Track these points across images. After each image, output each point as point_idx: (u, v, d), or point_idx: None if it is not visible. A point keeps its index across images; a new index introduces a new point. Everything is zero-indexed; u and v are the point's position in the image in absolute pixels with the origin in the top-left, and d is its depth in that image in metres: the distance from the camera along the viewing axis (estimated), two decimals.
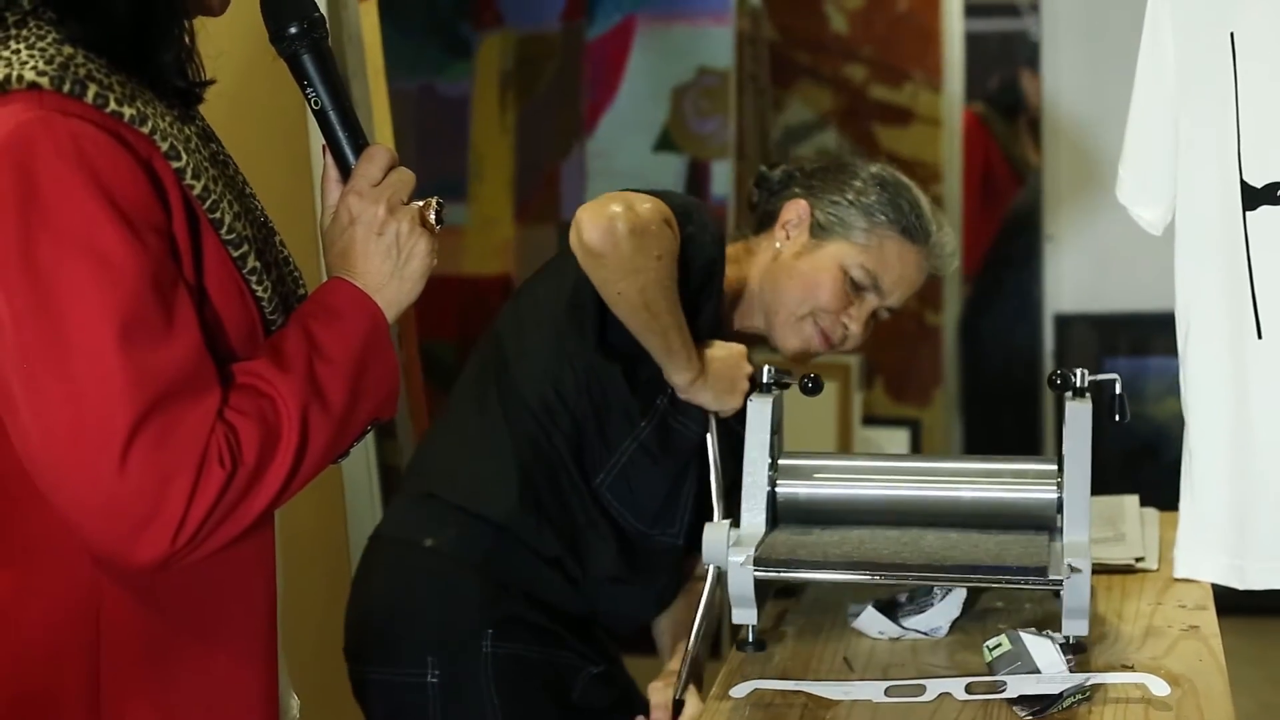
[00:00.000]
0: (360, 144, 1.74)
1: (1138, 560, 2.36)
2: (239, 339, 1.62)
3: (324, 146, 1.75)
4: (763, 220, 2.54)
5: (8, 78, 1.51)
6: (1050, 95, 4.44)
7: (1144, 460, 4.16)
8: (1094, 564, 2.21)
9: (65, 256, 1.48)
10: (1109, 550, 2.37)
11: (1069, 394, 2.10)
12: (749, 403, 2.20)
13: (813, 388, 2.25)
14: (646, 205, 2.22)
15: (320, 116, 1.73)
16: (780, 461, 2.20)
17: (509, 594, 2.32)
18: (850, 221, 2.45)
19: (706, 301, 2.34)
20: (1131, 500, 2.59)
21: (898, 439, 5.11)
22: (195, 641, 1.65)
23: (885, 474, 2.21)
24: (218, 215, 1.60)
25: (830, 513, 2.18)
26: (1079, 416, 2.07)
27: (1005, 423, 5.72)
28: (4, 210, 1.48)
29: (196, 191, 1.59)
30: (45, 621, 1.60)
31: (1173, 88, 2.25)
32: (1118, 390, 2.15)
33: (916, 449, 5.23)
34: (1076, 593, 1.96)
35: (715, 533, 2.13)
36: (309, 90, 1.72)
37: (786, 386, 2.29)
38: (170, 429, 1.50)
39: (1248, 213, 2.21)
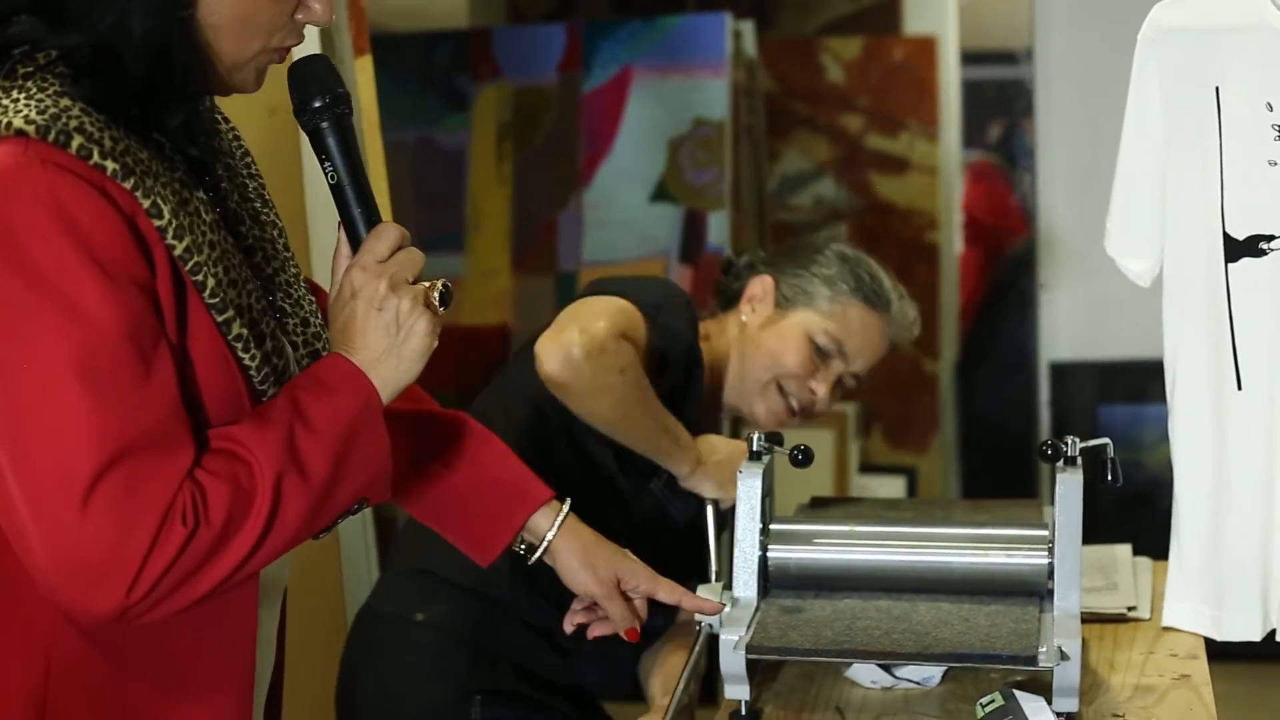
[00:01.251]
0: (373, 220, 1.73)
1: (1130, 610, 2.36)
2: (222, 404, 1.60)
3: (339, 223, 1.74)
4: (729, 299, 2.61)
5: None
6: (1044, 143, 4.45)
7: (1139, 507, 4.17)
8: (1086, 613, 2.22)
9: (35, 301, 1.48)
10: (1101, 599, 2.38)
11: (1059, 464, 2.11)
12: (740, 472, 2.20)
13: (802, 459, 2.24)
14: (600, 324, 2.27)
15: (336, 191, 1.72)
16: (772, 527, 2.20)
17: (498, 666, 2.33)
18: (813, 291, 2.53)
19: (692, 387, 2.38)
20: (1124, 549, 2.60)
21: (894, 487, 5.13)
22: (154, 703, 1.63)
23: (877, 539, 2.21)
24: (200, 278, 1.59)
25: (822, 579, 2.18)
26: (1070, 487, 2.07)
27: (1002, 470, 5.73)
28: None
29: (178, 252, 1.57)
30: None
31: (1159, 141, 2.27)
32: (1110, 455, 2.16)
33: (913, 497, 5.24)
34: (1066, 676, 1.97)
35: (709, 594, 2.15)
36: (326, 164, 1.72)
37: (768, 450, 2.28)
38: (136, 481, 1.49)
39: (1229, 264, 2.23)
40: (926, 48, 6.14)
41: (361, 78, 2.94)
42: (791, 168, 6.07)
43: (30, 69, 1.57)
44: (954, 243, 6.13)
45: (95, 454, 1.48)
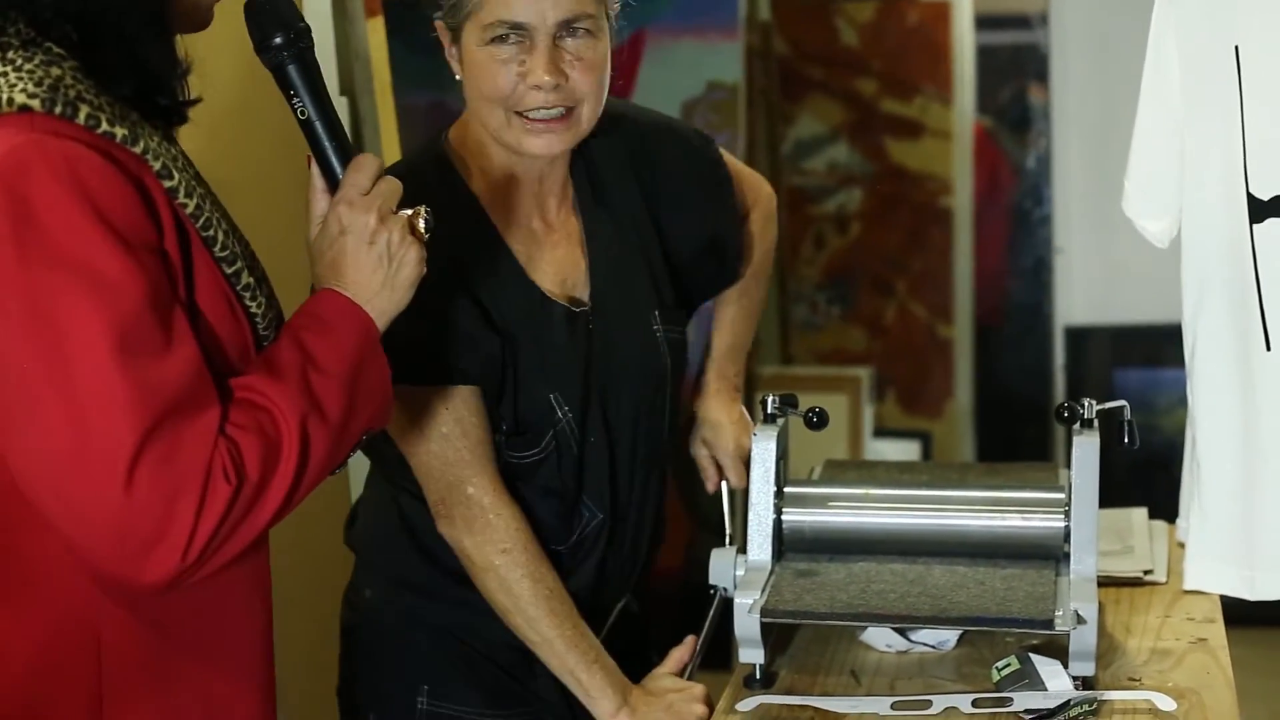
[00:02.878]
0: (347, 153, 1.74)
1: (1146, 573, 2.35)
2: (234, 355, 1.62)
3: (309, 157, 1.75)
4: None
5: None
6: (1059, 107, 4.43)
7: (1155, 471, 4.14)
8: (1102, 577, 2.21)
9: (62, 279, 1.48)
10: (1117, 563, 2.37)
11: (1076, 426, 2.10)
12: (754, 434, 2.18)
13: (817, 422, 2.22)
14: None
15: (306, 127, 1.73)
16: (786, 490, 2.19)
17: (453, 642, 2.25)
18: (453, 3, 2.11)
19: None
20: (1140, 513, 2.58)
21: (909, 451, 5.11)
22: (196, 663, 1.65)
23: (892, 503, 2.20)
24: (210, 233, 1.60)
25: (836, 543, 2.17)
26: (1087, 449, 2.06)
27: (1017, 435, 5.71)
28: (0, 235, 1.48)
29: (189, 210, 1.59)
30: (44, 650, 1.60)
31: (1177, 101, 2.25)
32: (1127, 417, 2.14)
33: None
34: (1083, 639, 1.96)
35: (723, 558, 2.14)
36: (295, 100, 1.73)
37: (781, 413, 2.24)
38: (174, 446, 1.50)
39: (1254, 225, 2.21)
40: (941, 11, 6.09)
41: (373, 39, 2.92)
42: (805, 132, 6.03)
43: (7, 42, 1.56)
44: (969, 208, 6.10)
45: (134, 427, 1.49)
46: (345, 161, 1.73)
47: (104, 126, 1.53)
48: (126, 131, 1.54)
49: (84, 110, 1.52)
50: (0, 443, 1.54)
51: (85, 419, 1.49)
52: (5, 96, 1.51)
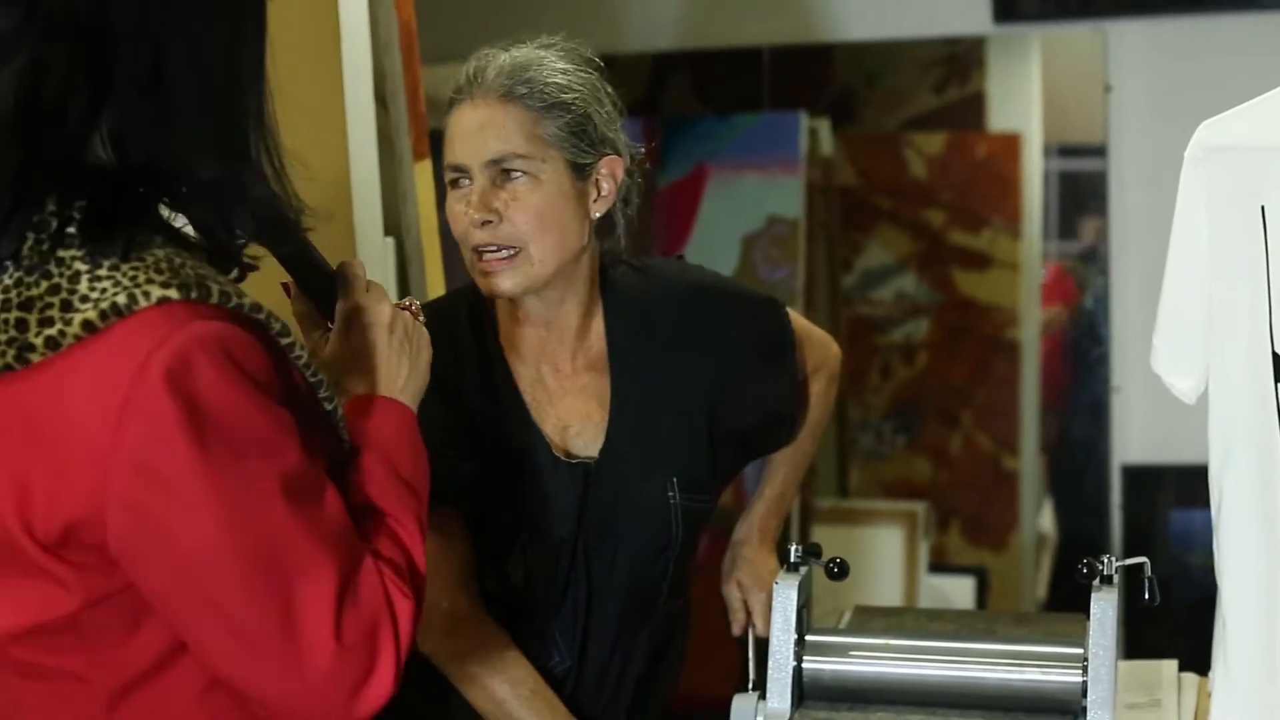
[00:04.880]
0: (324, 263, 1.78)
1: None
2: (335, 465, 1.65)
3: (284, 285, 1.80)
4: None
5: (133, 296, 1.48)
6: (1118, 242, 4.42)
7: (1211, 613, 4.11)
8: None
9: (238, 461, 1.49)
10: (1143, 716, 2.36)
11: (1096, 582, 2.11)
12: (776, 582, 2.20)
13: (838, 572, 2.26)
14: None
15: (288, 260, 1.76)
16: (808, 638, 2.21)
17: None
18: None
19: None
20: (1170, 665, 2.57)
21: (964, 588, 5.09)
22: None
23: (911, 653, 2.21)
24: (303, 357, 1.62)
25: (856, 692, 2.18)
26: (1104, 606, 2.07)
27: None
28: (176, 436, 1.46)
29: (303, 361, 1.61)
30: None
31: (1205, 259, 2.27)
32: (1148, 574, 2.15)
33: (982, 599, 5.19)
34: None
35: (744, 703, 2.16)
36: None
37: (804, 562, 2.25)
38: (357, 582, 1.54)
39: (1278, 384, 2.22)
40: (1011, 144, 6.12)
41: (420, 181, 2.98)
42: (873, 262, 6.06)
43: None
44: (1035, 340, 6.09)
45: (331, 579, 1.52)
46: (328, 278, 1.78)
47: (234, 300, 1.52)
48: (249, 300, 1.54)
49: (215, 289, 1.51)
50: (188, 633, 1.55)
51: (291, 589, 1.50)
52: (141, 291, 1.48)
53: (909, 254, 6.06)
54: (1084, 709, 2.09)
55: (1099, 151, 7.00)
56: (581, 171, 2.20)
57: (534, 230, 2.15)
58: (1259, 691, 2.26)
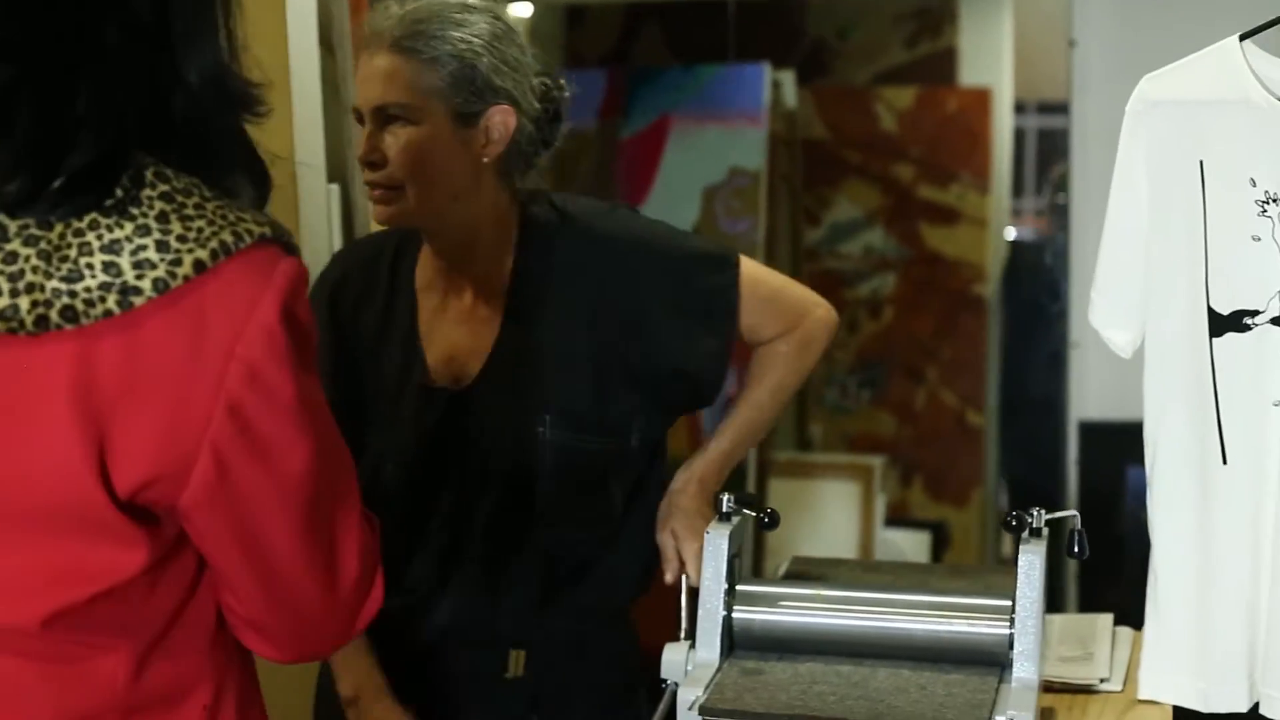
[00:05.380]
0: None
1: (1101, 680, 2.35)
2: None
3: None
4: None
5: (238, 234, 1.45)
6: (1078, 199, 4.40)
7: None
8: (1057, 683, 2.23)
9: (321, 394, 1.53)
10: (1075, 669, 2.37)
11: (1024, 534, 2.11)
12: (707, 532, 2.20)
13: (768, 523, 2.26)
14: None
15: None
16: (738, 588, 2.21)
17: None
18: None
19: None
20: (1105, 619, 2.58)
21: (920, 543, 5.11)
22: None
23: (841, 604, 2.20)
24: None
25: (785, 642, 2.18)
26: (1033, 559, 2.07)
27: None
28: (289, 365, 1.47)
29: None
30: None
31: (1144, 213, 2.27)
32: (1077, 526, 2.16)
33: (938, 554, 5.21)
34: None
35: (674, 653, 2.16)
36: None
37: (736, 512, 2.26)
38: (362, 506, 1.60)
39: (1214, 339, 2.22)
40: (981, 99, 6.13)
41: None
42: (842, 216, 6.07)
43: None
44: (1000, 294, 6.10)
45: (357, 509, 1.57)
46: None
47: (289, 237, 1.51)
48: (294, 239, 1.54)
49: (288, 238, 1.50)
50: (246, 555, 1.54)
51: (336, 516, 1.55)
52: (245, 229, 1.45)
53: (877, 208, 6.06)
54: (1011, 660, 2.09)
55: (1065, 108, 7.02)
56: (467, 120, 2.28)
57: (409, 173, 2.25)
58: (1189, 645, 2.27)
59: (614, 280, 2.33)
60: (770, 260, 4.74)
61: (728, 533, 2.19)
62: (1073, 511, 2.16)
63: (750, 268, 2.43)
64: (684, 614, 2.36)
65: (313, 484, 1.51)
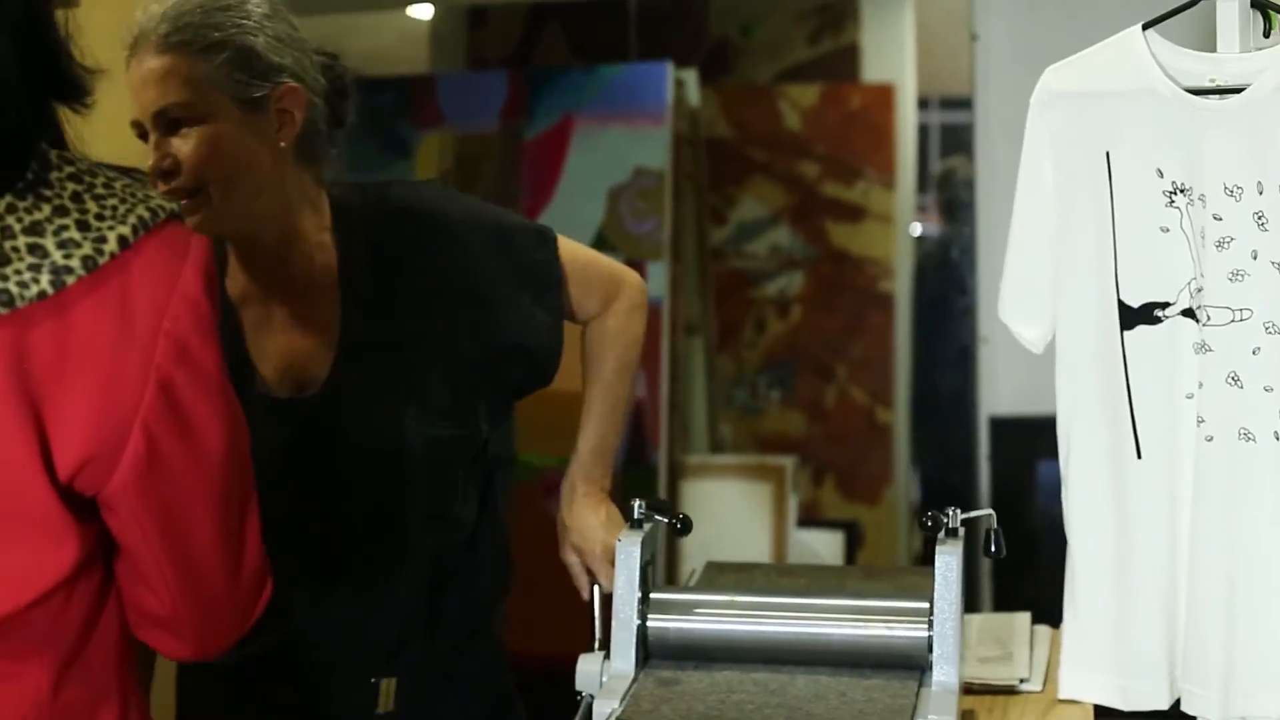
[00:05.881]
0: None
1: (1021, 681, 2.33)
2: None
3: None
4: None
5: (153, 211, 1.48)
6: (984, 194, 4.38)
7: None
8: (977, 684, 2.20)
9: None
10: (994, 670, 2.35)
11: (940, 535, 2.08)
12: (619, 540, 2.15)
13: (681, 528, 2.22)
14: None
15: None
16: (652, 596, 2.16)
17: None
18: None
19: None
20: (1023, 618, 2.56)
21: (834, 543, 5.09)
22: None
23: (757, 610, 2.17)
24: None
25: (701, 650, 2.14)
26: (950, 560, 2.04)
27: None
28: (212, 333, 1.51)
29: None
30: None
31: (1052, 206, 2.25)
32: (993, 525, 2.13)
33: (852, 553, 5.19)
34: None
35: (589, 664, 2.12)
36: None
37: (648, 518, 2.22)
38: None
39: (1125, 332, 2.21)
40: (884, 95, 6.13)
41: None
42: (747, 215, 6.05)
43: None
44: (908, 291, 6.10)
45: (255, 499, 1.59)
46: None
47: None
48: None
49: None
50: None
51: (244, 505, 1.57)
52: (158, 205, 1.49)
53: (783, 207, 6.04)
54: (931, 664, 2.06)
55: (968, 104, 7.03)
56: (255, 105, 2.14)
57: (208, 174, 2.12)
58: (1108, 642, 2.26)
59: (447, 257, 2.24)
60: (677, 259, 4.70)
61: (640, 540, 2.15)
62: (988, 510, 2.14)
63: (563, 241, 2.37)
64: (597, 623, 2.32)
65: (228, 464, 1.52)
